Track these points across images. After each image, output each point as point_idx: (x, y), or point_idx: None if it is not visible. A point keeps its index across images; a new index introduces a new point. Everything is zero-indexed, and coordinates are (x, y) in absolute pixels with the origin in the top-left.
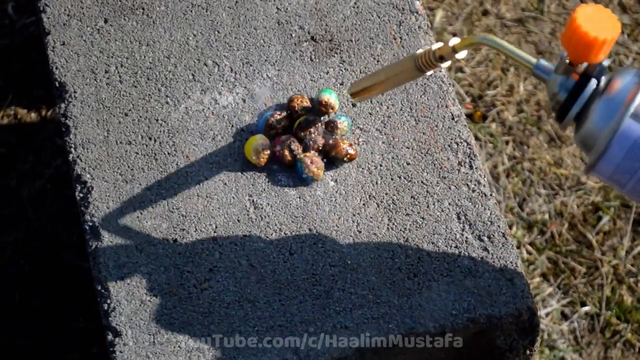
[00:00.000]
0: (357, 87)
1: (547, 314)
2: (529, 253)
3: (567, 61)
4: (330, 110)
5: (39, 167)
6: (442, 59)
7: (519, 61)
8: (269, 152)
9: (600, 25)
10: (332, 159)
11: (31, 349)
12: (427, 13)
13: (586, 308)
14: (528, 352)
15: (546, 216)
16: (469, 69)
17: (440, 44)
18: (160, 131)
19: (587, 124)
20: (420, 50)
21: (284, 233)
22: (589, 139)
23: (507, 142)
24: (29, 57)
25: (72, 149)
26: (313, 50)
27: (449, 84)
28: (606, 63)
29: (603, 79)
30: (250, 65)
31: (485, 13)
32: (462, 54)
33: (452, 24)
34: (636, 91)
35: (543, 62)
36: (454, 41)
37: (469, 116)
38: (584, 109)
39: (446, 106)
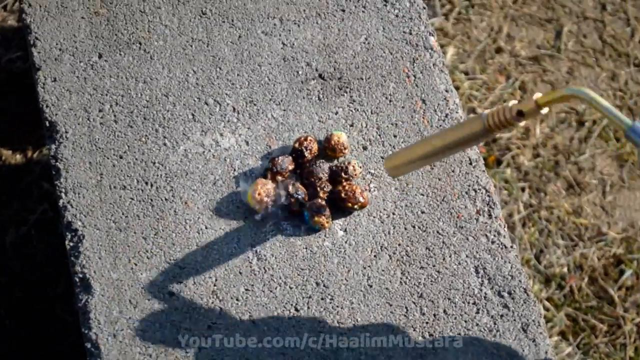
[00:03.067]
0: (395, 159)
1: None
2: (547, 309)
3: None
4: (340, 154)
5: (24, 212)
6: (520, 114)
7: (613, 120)
8: (273, 198)
9: None
10: (341, 206)
11: None
12: None
13: None
14: None
15: (565, 269)
16: (482, 110)
17: (514, 102)
18: (158, 175)
19: None
20: (487, 111)
21: (289, 287)
22: None
23: (522, 189)
24: (14, 94)
25: (63, 194)
26: (321, 89)
27: None
28: None
29: None
30: (254, 104)
31: (499, 50)
32: (546, 110)
33: (464, 61)
34: None
35: (639, 125)
36: (537, 95)
37: (483, 161)
38: None
39: (463, 150)
